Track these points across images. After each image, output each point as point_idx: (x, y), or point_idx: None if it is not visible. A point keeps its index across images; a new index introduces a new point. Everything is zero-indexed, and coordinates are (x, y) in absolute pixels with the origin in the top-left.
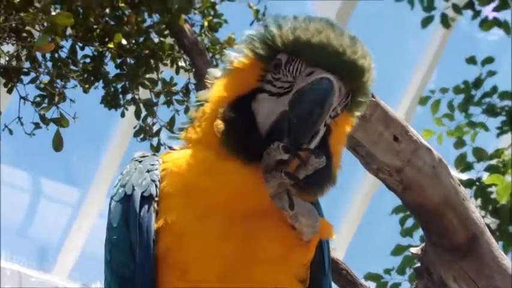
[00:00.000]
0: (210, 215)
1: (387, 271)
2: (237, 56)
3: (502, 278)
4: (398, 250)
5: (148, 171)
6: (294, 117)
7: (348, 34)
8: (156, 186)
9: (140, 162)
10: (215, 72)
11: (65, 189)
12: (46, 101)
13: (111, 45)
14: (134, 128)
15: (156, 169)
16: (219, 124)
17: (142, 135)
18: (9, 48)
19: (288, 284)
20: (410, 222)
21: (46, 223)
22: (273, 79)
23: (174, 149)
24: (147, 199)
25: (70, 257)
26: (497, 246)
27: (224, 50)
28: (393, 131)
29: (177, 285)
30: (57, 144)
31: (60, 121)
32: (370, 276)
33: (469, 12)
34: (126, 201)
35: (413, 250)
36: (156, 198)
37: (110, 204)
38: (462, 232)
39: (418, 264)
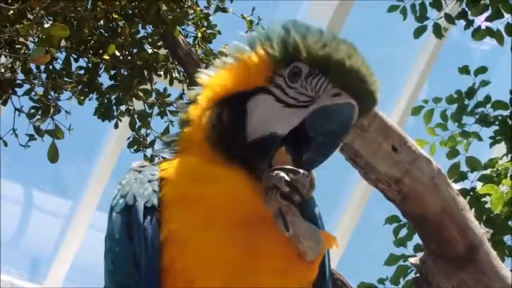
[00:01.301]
0: (211, 224)
1: (381, 281)
2: (244, 49)
3: (500, 287)
4: (392, 260)
5: (149, 181)
6: (319, 135)
7: (367, 61)
8: (157, 196)
9: (140, 172)
10: (207, 71)
11: (57, 201)
12: (40, 112)
13: (106, 57)
14: (128, 139)
15: (157, 179)
16: (208, 123)
17: (136, 147)
18: (3, 60)
19: None
20: (403, 232)
21: (38, 234)
22: (286, 86)
23: (167, 158)
24: (150, 210)
25: (62, 269)
26: (495, 256)
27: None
28: (392, 142)
29: None
30: (53, 155)
31: (55, 133)
32: (363, 286)
33: (461, 22)
34: (127, 212)
35: (411, 260)
36: (158, 209)
37: (110, 215)
38: (461, 242)
39: (417, 275)
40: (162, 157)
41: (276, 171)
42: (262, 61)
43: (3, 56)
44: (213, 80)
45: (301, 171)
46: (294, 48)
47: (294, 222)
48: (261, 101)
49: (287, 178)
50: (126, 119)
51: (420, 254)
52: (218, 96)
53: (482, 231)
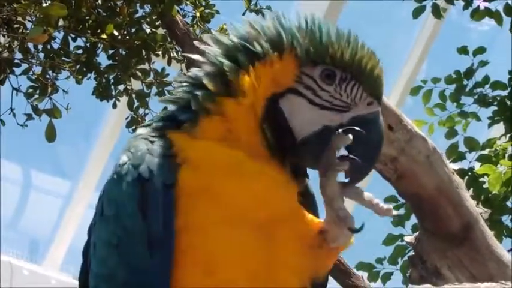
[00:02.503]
0: (236, 219)
1: (379, 260)
2: (269, 45)
3: (496, 266)
4: (390, 240)
5: (165, 156)
6: (360, 145)
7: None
8: (175, 177)
9: (152, 142)
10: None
11: (55, 181)
12: (38, 92)
13: (104, 36)
14: (126, 119)
15: (172, 155)
16: (269, 125)
17: (134, 127)
18: (1, 39)
19: None
20: (402, 212)
21: (37, 215)
22: (319, 88)
23: (173, 129)
24: (169, 189)
25: (61, 249)
26: (491, 234)
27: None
28: (388, 121)
29: (203, 283)
30: (50, 135)
31: (53, 112)
32: (362, 266)
33: (460, 2)
34: (142, 186)
35: (407, 239)
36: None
37: (118, 183)
38: (456, 220)
39: (413, 253)
40: (163, 124)
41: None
42: (290, 59)
43: (1, 35)
44: (247, 80)
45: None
46: (326, 49)
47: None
48: (295, 103)
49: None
50: (124, 99)
51: (410, 236)
52: (260, 99)
53: (477, 210)
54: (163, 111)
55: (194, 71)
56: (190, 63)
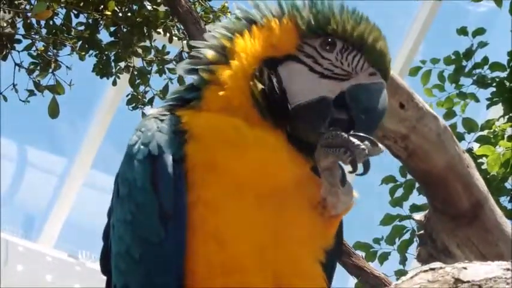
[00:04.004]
0: (241, 192)
1: (376, 241)
2: (268, 12)
3: (505, 245)
4: (387, 220)
5: (174, 132)
6: (362, 112)
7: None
8: (184, 151)
9: (162, 121)
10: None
11: (51, 158)
12: (39, 68)
13: (107, 13)
14: (127, 96)
15: (182, 131)
16: (256, 84)
17: (134, 104)
18: (4, 15)
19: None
20: (399, 192)
21: (32, 192)
22: (320, 56)
23: (181, 107)
24: (178, 163)
25: (56, 226)
26: (501, 213)
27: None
28: (399, 98)
29: (215, 256)
30: (53, 111)
31: (56, 88)
32: (359, 246)
33: None
34: (152, 162)
35: (416, 217)
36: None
37: (130, 162)
38: (466, 198)
39: (421, 231)
40: (171, 104)
41: (344, 134)
42: (291, 28)
43: (3, 11)
44: (241, 43)
45: (377, 143)
46: (328, 21)
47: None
48: (294, 70)
49: (363, 146)
50: (123, 77)
51: (417, 214)
52: (252, 61)
53: (486, 188)
54: (173, 91)
55: (198, 45)
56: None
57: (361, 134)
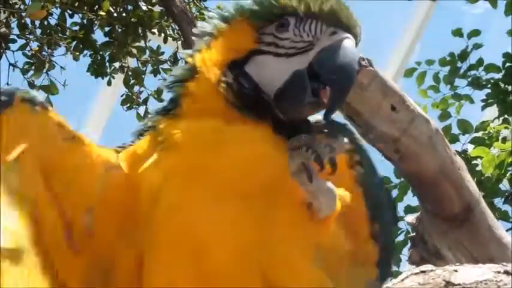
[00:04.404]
0: (224, 194)
1: None
2: (219, 21)
3: (496, 247)
4: None
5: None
6: (332, 73)
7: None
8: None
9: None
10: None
11: None
12: (33, 68)
13: (102, 13)
14: (122, 96)
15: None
16: (223, 88)
17: (129, 104)
18: None
19: (303, 261)
20: (394, 193)
21: None
22: (278, 40)
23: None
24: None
25: None
26: (492, 216)
27: (206, 13)
28: (391, 101)
29: (191, 267)
30: None
31: (50, 88)
32: None
33: None
34: None
35: (408, 219)
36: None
37: None
38: (458, 201)
39: (413, 234)
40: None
41: (308, 135)
42: (244, 26)
43: None
44: (200, 57)
45: (342, 138)
46: (272, 4)
47: (315, 178)
48: (260, 62)
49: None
50: (118, 77)
51: (411, 216)
52: (215, 69)
53: (478, 191)
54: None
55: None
56: (187, 42)
57: (325, 131)
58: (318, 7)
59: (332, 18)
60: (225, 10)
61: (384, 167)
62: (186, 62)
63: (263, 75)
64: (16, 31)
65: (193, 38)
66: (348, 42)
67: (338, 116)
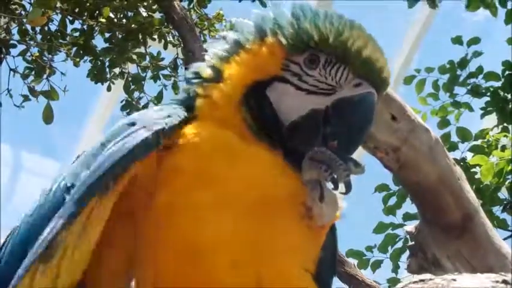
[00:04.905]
0: (229, 203)
1: (369, 248)
2: (252, 35)
3: (495, 257)
4: (380, 228)
5: (168, 116)
6: (345, 127)
7: (378, 45)
8: (167, 129)
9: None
10: (217, 45)
11: (46, 163)
12: (34, 73)
13: (102, 20)
14: (121, 102)
15: (177, 119)
16: (244, 110)
17: (128, 110)
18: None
19: (299, 274)
20: (393, 200)
21: (26, 197)
22: (304, 73)
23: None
24: (150, 131)
25: None
26: (490, 226)
27: (233, 22)
28: (391, 110)
29: (184, 268)
30: (48, 116)
31: (51, 94)
32: (352, 253)
33: None
34: (129, 126)
35: (407, 228)
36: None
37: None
38: (457, 211)
39: (412, 243)
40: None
41: (331, 153)
42: (274, 49)
43: None
44: (229, 68)
45: (358, 161)
46: (308, 36)
47: (325, 191)
48: (282, 90)
49: (345, 166)
50: (117, 83)
51: (409, 223)
52: (239, 87)
53: (477, 201)
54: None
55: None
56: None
57: (345, 154)
58: (353, 53)
59: (362, 68)
60: (259, 23)
61: (383, 174)
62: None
63: (281, 104)
64: (17, 37)
65: (218, 37)
66: (369, 98)
67: None
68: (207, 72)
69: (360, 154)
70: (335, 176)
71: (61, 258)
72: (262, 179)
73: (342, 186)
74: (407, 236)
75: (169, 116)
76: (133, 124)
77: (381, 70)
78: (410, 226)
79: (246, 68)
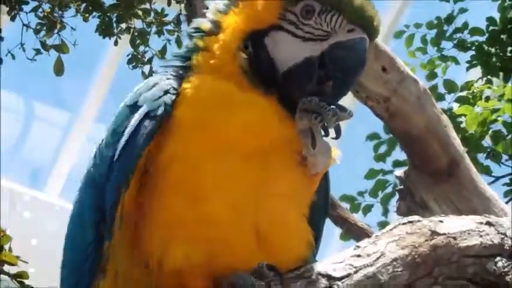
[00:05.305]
0: (227, 150)
1: (361, 193)
2: None
3: (479, 201)
4: (371, 174)
5: (165, 91)
6: (339, 71)
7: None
8: (166, 109)
9: (167, 79)
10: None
11: (56, 113)
12: (45, 28)
13: None
14: (128, 56)
15: (173, 93)
16: (241, 56)
17: (134, 63)
18: None
19: (295, 217)
20: (383, 148)
21: (38, 144)
22: (300, 23)
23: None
24: (151, 119)
25: (60, 177)
26: (475, 171)
27: None
28: (382, 62)
29: (187, 214)
30: (59, 69)
31: (61, 47)
32: (344, 198)
33: None
34: (133, 110)
35: (397, 173)
36: (165, 119)
37: (121, 104)
38: (443, 157)
39: (401, 187)
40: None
41: (319, 101)
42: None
43: None
44: (228, 19)
45: (346, 109)
46: None
47: (318, 140)
48: (279, 38)
49: (333, 111)
50: (123, 38)
51: (399, 169)
52: (238, 35)
53: (462, 147)
54: (172, 54)
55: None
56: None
57: (333, 101)
58: (347, 1)
59: (355, 15)
60: None
61: (374, 123)
62: (212, 16)
63: (278, 52)
64: None
65: None
66: (362, 43)
67: None
68: (206, 26)
69: (352, 103)
70: (325, 123)
71: None
72: (258, 126)
73: (332, 132)
74: (397, 181)
75: (167, 92)
76: (136, 107)
77: (372, 18)
78: (400, 171)
79: (244, 18)
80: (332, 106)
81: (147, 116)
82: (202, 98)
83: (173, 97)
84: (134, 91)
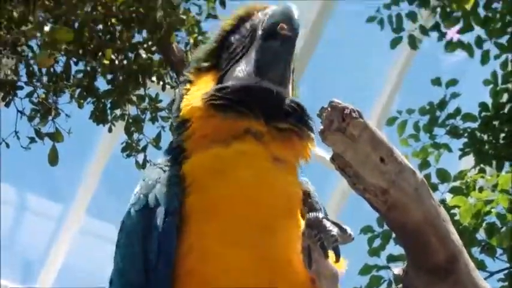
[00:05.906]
0: (233, 230)
1: None
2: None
3: None
4: (366, 270)
5: (172, 183)
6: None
7: None
8: (179, 200)
9: (165, 171)
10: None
11: (49, 204)
12: (39, 115)
13: (105, 61)
14: (122, 144)
15: (179, 182)
16: (208, 100)
17: (128, 151)
18: (8, 61)
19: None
20: (377, 242)
21: (30, 237)
22: (229, 54)
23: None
24: (171, 216)
25: (52, 271)
26: (473, 267)
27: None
28: (380, 153)
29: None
30: (53, 158)
31: (56, 136)
32: None
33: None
34: (148, 212)
35: (395, 271)
36: (179, 212)
37: (128, 212)
38: (442, 252)
39: (399, 286)
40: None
41: (321, 217)
42: (206, 73)
43: (5, 57)
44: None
45: (347, 230)
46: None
47: (318, 261)
48: (228, 74)
49: (333, 233)
50: (117, 125)
51: (394, 264)
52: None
53: (461, 242)
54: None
55: None
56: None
57: (335, 221)
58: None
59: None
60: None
61: (367, 216)
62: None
63: (235, 75)
64: (24, 78)
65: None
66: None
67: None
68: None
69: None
70: (324, 243)
71: None
72: (260, 190)
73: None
74: (391, 278)
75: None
76: (147, 203)
77: None
78: (398, 268)
79: (195, 91)
80: (335, 229)
81: (167, 214)
82: (198, 174)
83: (180, 186)
84: (138, 190)
